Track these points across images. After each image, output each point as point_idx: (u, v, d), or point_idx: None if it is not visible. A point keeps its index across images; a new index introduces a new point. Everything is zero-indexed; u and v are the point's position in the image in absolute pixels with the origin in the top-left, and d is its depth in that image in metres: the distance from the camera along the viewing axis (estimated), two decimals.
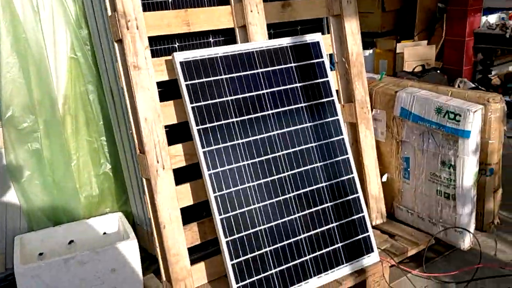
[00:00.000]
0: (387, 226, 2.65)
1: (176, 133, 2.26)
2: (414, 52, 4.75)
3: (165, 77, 2.11)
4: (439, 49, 4.92)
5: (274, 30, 2.52)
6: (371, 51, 5.13)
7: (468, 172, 2.25)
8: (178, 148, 2.15)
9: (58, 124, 2.43)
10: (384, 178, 2.69)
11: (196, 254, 2.43)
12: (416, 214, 2.57)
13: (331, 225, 2.24)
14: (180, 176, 2.22)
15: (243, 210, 2.07)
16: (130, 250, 2.33)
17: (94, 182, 2.63)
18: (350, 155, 2.35)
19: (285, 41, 2.28)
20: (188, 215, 2.28)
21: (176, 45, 2.28)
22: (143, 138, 1.99)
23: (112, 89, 2.38)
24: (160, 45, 2.23)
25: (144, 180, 2.11)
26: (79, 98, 2.49)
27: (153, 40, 2.18)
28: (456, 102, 2.24)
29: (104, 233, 2.65)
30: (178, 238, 2.09)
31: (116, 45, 2.00)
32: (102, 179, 2.64)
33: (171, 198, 2.06)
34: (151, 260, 2.66)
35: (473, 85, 4.43)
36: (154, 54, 2.22)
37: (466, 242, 2.40)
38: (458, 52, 4.66)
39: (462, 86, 4.34)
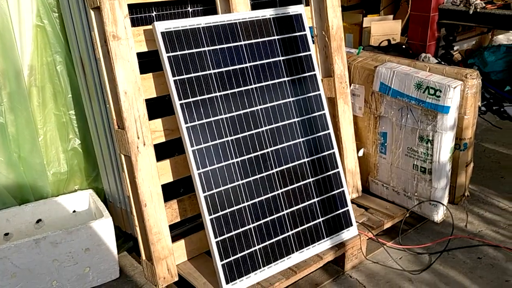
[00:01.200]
0: (362, 200, 2.69)
1: (153, 108, 2.17)
2: (381, 27, 4.78)
3: (143, 48, 2.00)
4: (405, 24, 4.97)
5: (253, 1, 2.44)
6: None
7: (445, 147, 2.30)
8: (158, 123, 2.06)
9: (23, 96, 2.26)
10: (361, 153, 2.71)
11: (173, 231, 2.39)
12: (391, 188, 2.61)
13: (312, 201, 2.24)
14: (156, 152, 2.14)
15: (227, 187, 2.03)
16: (105, 228, 2.25)
17: (63, 158, 2.50)
18: (331, 130, 2.34)
19: (268, 13, 2.20)
20: (165, 192, 2.21)
21: (153, 14, 2.15)
22: (122, 113, 1.88)
23: (83, 60, 2.23)
24: (137, 14, 2.10)
25: (122, 156, 2.01)
26: (46, 69, 2.33)
27: (129, 9, 2.05)
28: (436, 77, 2.26)
29: (74, 211, 2.55)
30: (159, 216, 2.02)
31: (92, 12, 1.86)
32: (71, 155, 2.51)
33: (152, 176, 1.98)
34: (125, 238, 2.58)
35: (436, 61, 4.52)
36: (131, 23, 2.09)
37: (440, 215, 2.48)
38: (422, 28, 4.72)
39: (425, 61, 4.41)
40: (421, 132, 2.35)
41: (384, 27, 4.79)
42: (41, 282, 2.17)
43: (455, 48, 4.90)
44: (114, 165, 2.35)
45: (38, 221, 2.47)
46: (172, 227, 2.36)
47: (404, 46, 4.70)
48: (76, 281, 2.25)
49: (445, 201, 2.46)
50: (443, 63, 4.53)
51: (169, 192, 2.25)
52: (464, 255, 2.43)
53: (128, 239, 2.58)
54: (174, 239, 2.20)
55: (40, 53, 2.29)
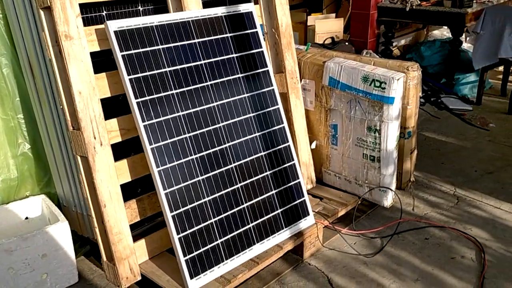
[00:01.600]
0: (317, 191, 2.79)
1: (107, 108, 2.15)
2: (324, 25, 4.94)
3: (96, 47, 1.98)
4: (346, 22, 5.16)
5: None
6: None
7: (391, 135, 2.44)
8: (114, 123, 2.05)
9: None
10: (313, 145, 2.81)
11: (132, 231, 2.37)
12: (343, 177, 2.73)
13: (271, 193, 2.31)
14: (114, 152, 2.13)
15: (187, 183, 2.05)
16: (61, 233, 2.21)
17: (12, 164, 2.42)
18: (285, 124, 2.41)
19: (220, 11, 2.24)
20: (123, 192, 2.20)
21: (103, 14, 2.14)
22: (78, 114, 1.86)
23: (31, 61, 2.18)
24: (87, 14, 2.08)
25: (78, 158, 1.98)
26: None
27: (80, 8, 2.02)
28: (381, 70, 2.39)
29: (27, 218, 2.47)
30: (119, 216, 2.01)
31: (42, 12, 1.82)
32: (21, 160, 2.43)
33: (111, 176, 1.97)
34: (82, 242, 2.54)
35: (377, 56, 4.74)
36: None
37: (389, 200, 2.62)
38: (363, 25, 4.93)
39: (368, 57, 4.61)
40: (369, 123, 2.48)
41: (327, 25, 4.96)
42: None
43: (394, 44, 5.15)
44: (68, 168, 2.31)
45: None
46: (131, 228, 2.35)
47: (347, 43, 4.89)
48: None
49: (393, 187, 2.60)
50: (383, 58, 4.74)
51: (127, 192, 2.23)
52: (413, 237, 2.59)
53: (85, 243, 2.54)
54: (135, 239, 2.20)
55: None
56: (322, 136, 2.76)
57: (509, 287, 2.21)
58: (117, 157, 2.10)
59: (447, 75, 4.72)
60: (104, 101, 2.12)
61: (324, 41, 4.89)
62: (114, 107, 2.19)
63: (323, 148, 2.78)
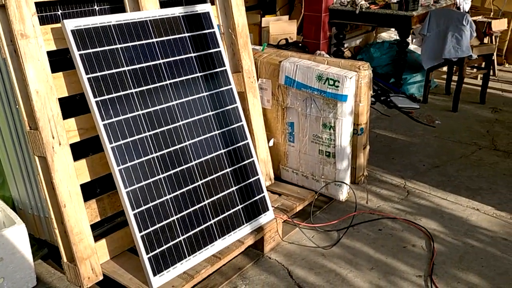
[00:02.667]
0: (275, 187, 2.86)
1: (64, 108, 2.13)
2: (278, 27, 5.04)
3: (52, 46, 1.96)
4: (299, 23, 5.29)
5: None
6: None
7: (345, 132, 2.55)
8: (72, 122, 2.03)
9: None
10: (271, 143, 2.88)
11: (93, 232, 2.36)
12: (300, 173, 2.82)
13: (231, 189, 2.36)
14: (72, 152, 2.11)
15: (148, 181, 2.06)
16: (18, 236, 2.16)
17: None
18: (244, 122, 2.47)
19: (177, 11, 2.27)
20: (82, 193, 2.18)
21: (59, 13, 2.12)
22: (35, 113, 1.84)
23: None
24: (43, 12, 2.05)
25: (36, 158, 1.95)
26: None
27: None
28: (334, 69, 2.50)
29: None
30: (80, 216, 2.00)
31: None
32: None
33: (70, 175, 1.96)
34: (39, 245, 2.49)
35: (330, 57, 4.88)
36: None
37: (344, 194, 2.73)
38: (315, 27, 5.07)
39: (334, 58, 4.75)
40: (324, 120, 2.58)
41: (281, 27, 5.06)
42: None
43: (345, 45, 5.33)
44: (24, 170, 2.26)
45: None
46: (91, 228, 2.33)
47: (300, 44, 5.01)
48: None
49: (348, 181, 2.72)
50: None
51: (86, 193, 2.22)
52: (367, 229, 2.71)
53: (42, 246, 2.49)
54: (95, 239, 2.18)
55: None
56: (279, 133, 2.84)
57: (456, 272, 2.36)
58: (75, 158, 2.08)
59: (395, 75, 4.94)
60: (61, 101, 2.10)
61: (279, 42, 4.99)
62: (71, 107, 2.17)
63: (281, 145, 2.86)
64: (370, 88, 2.71)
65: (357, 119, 2.71)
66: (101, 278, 2.11)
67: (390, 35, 5.84)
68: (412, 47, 5.45)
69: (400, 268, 2.39)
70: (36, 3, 1.96)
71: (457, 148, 3.73)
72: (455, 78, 4.76)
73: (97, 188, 2.36)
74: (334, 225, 2.72)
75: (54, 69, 2.02)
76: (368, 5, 4.83)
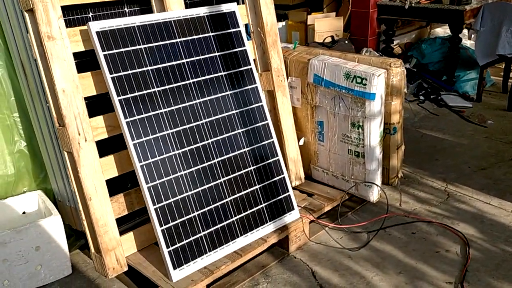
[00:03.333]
0: (305, 187, 2.84)
1: (98, 106, 2.24)
2: (324, 24, 4.97)
3: (80, 47, 2.07)
4: (347, 20, 5.19)
5: (190, 0, 2.54)
6: (283, 23, 5.29)
7: (374, 131, 2.48)
8: (100, 120, 2.13)
9: None
10: (301, 142, 2.86)
11: (124, 225, 2.46)
12: (330, 173, 2.78)
13: (254, 187, 2.37)
14: (106, 148, 2.22)
15: (169, 177, 2.12)
16: (54, 226, 2.30)
17: (9, 161, 2.52)
18: (269, 120, 2.47)
19: (202, 11, 2.32)
20: (114, 187, 2.29)
21: (90, 15, 2.23)
22: (62, 111, 1.95)
23: (23, 62, 2.28)
24: (74, 15, 2.17)
25: (65, 153, 2.07)
26: None
27: (65, 10, 2.12)
28: (363, 67, 2.43)
29: (24, 213, 2.57)
30: (105, 209, 2.09)
31: (27, 15, 1.92)
32: (17, 157, 2.54)
33: (96, 170, 2.06)
34: (77, 236, 2.63)
35: (378, 54, 4.76)
36: (68, 24, 2.16)
37: (375, 195, 2.66)
38: (363, 23, 4.95)
39: (368, 55, 4.64)
40: (353, 119, 2.52)
41: (327, 24, 4.99)
42: None
43: (395, 42, 5.16)
44: (61, 164, 2.40)
45: None
46: (123, 222, 2.44)
47: (346, 42, 4.92)
48: (28, 280, 2.29)
49: (379, 182, 2.64)
50: (383, 56, 4.77)
51: (117, 187, 2.32)
52: (399, 232, 2.62)
53: (80, 237, 2.63)
54: (125, 232, 2.28)
55: None
56: (309, 132, 2.81)
57: (490, 280, 2.22)
58: (109, 153, 2.18)
59: (447, 72, 4.71)
60: (93, 99, 2.21)
61: (324, 39, 4.93)
62: (104, 104, 2.27)
63: (311, 144, 2.83)
64: (403, 86, 2.62)
65: (389, 118, 2.63)
66: (125, 269, 2.19)
67: (445, 30, 5.57)
68: (468, 43, 5.18)
69: (430, 273, 2.29)
70: (66, 6, 2.08)
71: (508, 150, 3.50)
72: None
73: (128, 183, 2.46)
74: (364, 227, 2.65)
75: (86, 69, 2.13)
76: None
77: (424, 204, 2.86)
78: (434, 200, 2.91)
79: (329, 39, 4.94)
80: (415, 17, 4.75)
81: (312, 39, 5.07)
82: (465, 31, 5.34)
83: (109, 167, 2.16)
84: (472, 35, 5.30)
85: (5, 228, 2.47)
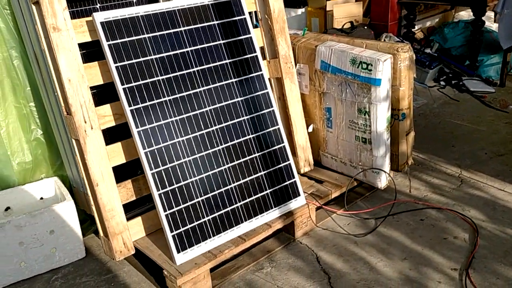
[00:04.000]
0: (314, 173, 2.85)
1: (107, 94, 2.31)
2: (343, 10, 4.91)
3: (87, 38, 2.13)
4: (366, 6, 5.10)
5: None
6: (303, 9, 5.25)
7: (381, 117, 2.46)
8: (106, 108, 2.20)
9: None
10: (310, 129, 2.86)
11: (134, 211, 2.54)
12: (339, 159, 2.77)
13: (259, 174, 2.40)
14: (117, 135, 2.28)
15: (173, 164, 2.18)
16: (67, 211, 2.40)
17: (26, 148, 2.63)
18: (275, 107, 2.49)
19: None
20: (124, 173, 2.36)
21: (97, 6, 2.29)
22: (68, 100, 2.03)
23: (36, 53, 2.36)
24: (81, 7, 2.23)
25: (73, 141, 2.15)
26: (2, 64, 2.46)
27: (73, 2, 2.19)
28: (368, 53, 2.41)
29: (41, 198, 2.69)
30: (112, 194, 2.17)
31: (34, 7, 1.99)
32: (34, 145, 2.65)
33: (102, 157, 2.13)
34: (91, 220, 2.73)
35: (398, 39, 4.67)
36: (76, 15, 2.23)
37: (383, 181, 2.64)
38: (383, 8, 4.86)
39: (387, 41, 4.56)
40: (359, 105, 2.51)
41: (346, 10, 4.93)
42: (9, 264, 2.31)
43: (416, 26, 5.05)
44: (73, 151, 2.49)
45: (7, 209, 2.61)
46: (134, 207, 2.52)
47: (365, 27, 4.84)
48: (44, 262, 2.40)
49: (387, 168, 2.62)
50: (404, 41, 4.68)
51: (127, 173, 2.39)
52: (408, 218, 2.60)
53: (94, 222, 2.73)
54: (135, 217, 2.36)
55: None
56: (318, 119, 2.81)
57: (497, 267, 2.19)
58: (121, 140, 2.25)
59: (470, 56, 4.59)
60: (101, 88, 2.28)
61: (343, 26, 4.87)
62: (114, 93, 2.33)
63: (320, 131, 2.83)
64: (412, 71, 2.58)
65: (398, 104, 2.60)
66: (133, 252, 2.27)
67: (469, 14, 5.40)
68: (494, 26, 5.01)
69: (436, 260, 2.28)
70: None
71: None
72: None
73: (138, 170, 2.53)
74: (372, 213, 2.64)
75: (96, 58, 2.20)
76: None
77: (436, 191, 2.83)
78: (446, 186, 2.87)
79: (348, 25, 4.88)
80: (437, 0, 4.63)
81: (331, 25, 5.02)
82: (491, 13, 5.18)
83: (117, 154, 2.23)
84: (498, 18, 5.13)
85: (23, 213, 2.60)
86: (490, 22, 5.08)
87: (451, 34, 4.86)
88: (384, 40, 4.61)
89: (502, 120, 3.68)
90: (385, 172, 2.60)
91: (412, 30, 4.95)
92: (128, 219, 2.27)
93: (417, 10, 4.99)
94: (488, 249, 2.31)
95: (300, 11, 5.22)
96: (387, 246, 2.40)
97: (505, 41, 4.17)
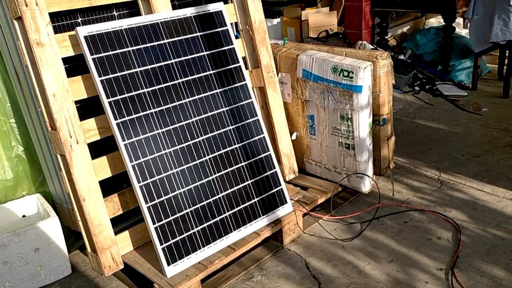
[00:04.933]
0: (299, 180, 2.88)
1: (91, 108, 2.29)
2: (318, 19, 5.01)
3: (70, 52, 2.12)
4: (341, 15, 5.22)
5: (179, 1, 2.59)
6: (278, 19, 5.33)
7: (363, 123, 2.52)
8: (91, 122, 2.18)
9: None
10: (294, 136, 2.90)
11: (121, 225, 2.52)
12: (323, 166, 2.82)
13: (246, 183, 2.41)
14: (102, 149, 2.27)
15: (161, 176, 2.17)
16: (52, 228, 2.36)
17: (7, 165, 2.58)
18: (259, 116, 2.51)
19: (189, 11, 2.36)
20: (110, 188, 2.34)
21: (79, 20, 2.28)
22: (53, 115, 2.01)
23: (16, 68, 2.33)
24: (63, 21, 2.22)
25: (58, 156, 2.13)
26: None
27: (55, 16, 2.17)
28: (349, 61, 2.47)
29: (24, 216, 2.63)
30: (99, 209, 2.15)
31: (16, 23, 1.97)
32: (15, 162, 2.60)
33: (88, 172, 2.11)
34: (76, 237, 2.69)
35: (372, 47, 4.78)
36: (58, 30, 2.21)
37: (367, 186, 2.69)
38: (357, 17, 4.98)
39: (362, 48, 4.66)
40: (342, 112, 2.56)
41: (321, 19, 5.03)
42: None
43: (390, 34, 5.18)
44: (57, 167, 2.46)
45: None
46: (120, 221, 2.50)
47: (341, 36, 4.94)
48: (29, 280, 2.35)
49: (370, 173, 2.67)
50: (378, 48, 4.79)
51: (112, 187, 2.37)
52: (392, 221, 2.66)
53: (79, 238, 2.69)
54: (122, 231, 2.34)
55: None
56: (301, 127, 2.85)
57: (481, 265, 2.26)
58: (106, 154, 2.23)
59: (442, 62, 4.73)
60: (85, 102, 2.26)
61: (319, 34, 4.96)
62: (98, 107, 2.31)
63: (303, 138, 2.87)
64: (391, 77, 2.65)
65: (378, 110, 2.66)
66: (121, 267, 2.25)
67: (439, 20, 5.59)
68: (463, 32, 5.19)
69: (422, 261, 2.33)
70: (56, 12, 2.13)
71: (502, 137, 3.52)
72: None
73: (123, 183, 2.51)
74: (358, 217, 2.69)
75: (80, 72, 2.18)
76: None
77: (417, 193, 2.90)
78: (427, 189, 2.94)
79: (323, 34, 4.97)
80: (408, 8, 4.77)
81: (307, 34, 5.11)
82: (460, 20, 5.36)
83: (103, 168, 2.22)
84: (468, 24, 5.31)
85: (5, 231, 2.54)
86: (460, 28, 5.26)
87: (423, 40, 5.01)
88: (359, 48, 4.72)
89: (476, 123, 3.80)
90: (368, 176, 2.65)
91: (385, 37, 5.07)
92: (115, 233, 2.25)
93: (389, 18, 5.12)
94: (471, 248, 2.38)
95: (275, 21, 5.29)
96: (373, 249, 2.44)
97: (476, 45, 4.33)
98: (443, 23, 5.42)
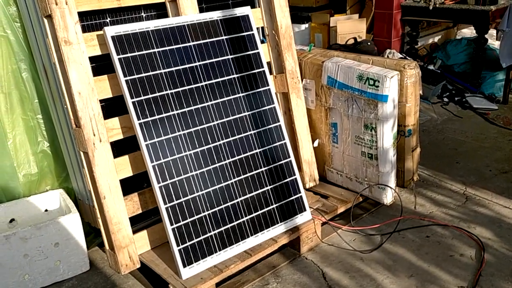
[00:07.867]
0: (319, 188, 2.85)
1: (115, 108, 2.32)
2: (347, 26, 4.96)
3: (97, 52, 2.15)
4: (370, 22, 5.15)
5: (206, 4, 2.60)
6: (307, 25, 5.30)
7: (387, 133, 2.47)
8: (115, 121, 2.21)
9: None
10: (316, 144, 2.87)
11: (139, 224, 2.54)
12: (344, 175, 2.78)
13: (266, 188, 2.40)
14: (125, 148, 2.29)
15: (181, 177, 2.18)
16: (72, 224, 2.39)
17: (32, 160, 2.64)
18: (282, 122, 2.50)
19: (215, 15, 2.36)
20: (130, 187, 2.36)
21: (108, 20, 2.31)
22: (78, 112, 2.04)
23: (45, 65, 2.38)
24: (92, 21, 2.25)
25: (81, 153, 2.16)
26: (11, 77, 2.47)
27: (84, 16, 2.21)
28: (375, 69, 2.43)
29: (46, 210, 2.68)
30: (118, 207, 2.17)
31: (45, 20, 2.01)
32: (40, 157, 2.65)
33: (110, 170, 2.13)
34: (96, 233, 2.72)
35: (401, 56, 4.70)
36: (86, 29, 2.25)
37: (389, 197, 2.64)
38: (386, 25, 4.91)
39: (390, 57, 4.59)
40: (366, 121, 2.52)
41: (349, 26, 4.97)
42: (13, 276, 2.30)
43: (420, 43, 5.09)
44: (80, 164, 2.49)
45: (11, 220, 2.60)
46: (138, 220, 2.52)
47: (369, 43, 4.88)
48: (48, 274, 2.38)
49: (393, 184, 2.62)
50: (407, 57, 4.71)
51: (133, 186, 2.40)
52: (414, 235, 2.59)
53: (99, 235, 2.72)
54: (141, 230, 2.35)
55: (5, 61, 2.43)
56: (323, 134, 2.82)
57: (504, 285, 2.18)
58: (128, 153, 2.25)
59: (473, 74, 4.62)
60: (113, 101, 2.28)
61: (347, 41, 4.91)
62: (121, 106, 2.34)
63: (325, 146, 2.84)
64: (418, 88, 2.59)
65: (404, 120, 2.61)
66: (138, 266, 2.26)
67: (472, 31, 5.45)
68: (496, 44, 5.05)
69: (442, 277, 2.26)
70: (85, 12, 2.17)
71: None
72: None
73: (144, 183, 2.53)
74: (378, 229, 2.64)
75: (106, 71, 2.21)
76: (442, 0, 4.58)
77: (441, 207, 2.83)
78: (451, 203, 2.87)
79: (351, 41, 4.91)
80: (440, 18, 4.68)
81: (334, 41, 5.06)
82: (493, 31, 5.22)
83: (124, 167, 2.24)
84: (502, 36, 5.17)
85: (27, 225, 2.59)
86: (492, 40, 5.12)
87: (453, 51, 4.90)
88: (388, 56, 4.65)
89: (506, 137, 3.69)
90: (391, 188, 2.60)
91: (415, 46, 4.99)
92: (133, 232, 2.27)
93: (420, 27, 5.03)
94: (495, 267, 2.30)
95: (303, 26, 5.27)
96: (393, 263, 2.39)
97: (506, 59, 4.21)
98: (476, 34, 5.32)
